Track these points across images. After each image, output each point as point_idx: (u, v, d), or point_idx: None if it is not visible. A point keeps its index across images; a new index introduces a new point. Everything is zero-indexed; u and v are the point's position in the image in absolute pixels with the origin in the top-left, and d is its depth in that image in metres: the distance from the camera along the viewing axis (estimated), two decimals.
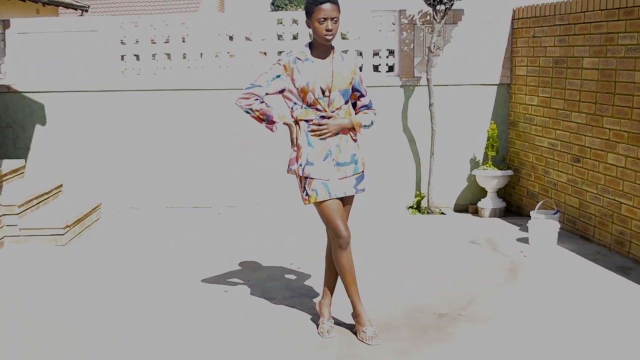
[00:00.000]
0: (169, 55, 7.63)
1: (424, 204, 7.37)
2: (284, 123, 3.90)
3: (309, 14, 3.78)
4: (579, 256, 5.51)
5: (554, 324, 4.14)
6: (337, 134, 3.89)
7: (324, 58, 3.89)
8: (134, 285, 5.05)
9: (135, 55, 7.63)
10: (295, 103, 3.89)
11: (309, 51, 3.89)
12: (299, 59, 3.85)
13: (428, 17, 7.16)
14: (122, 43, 7.61)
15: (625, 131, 5.37)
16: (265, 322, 4.27)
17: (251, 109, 3.85)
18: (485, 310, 4.40)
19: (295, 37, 7.55)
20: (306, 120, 3.88)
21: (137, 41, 7.61)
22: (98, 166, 7.66)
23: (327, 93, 3.85)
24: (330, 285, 4.17)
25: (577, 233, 6.08)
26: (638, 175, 5.23)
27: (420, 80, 7.29)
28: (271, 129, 3.92)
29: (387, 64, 7.46)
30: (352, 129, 3.94)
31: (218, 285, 4.95)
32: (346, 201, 3.99)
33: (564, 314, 4.32)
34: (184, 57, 7.64)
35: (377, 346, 3.82)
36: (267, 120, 3.87)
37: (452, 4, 6.74)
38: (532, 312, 4.35)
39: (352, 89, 3.98)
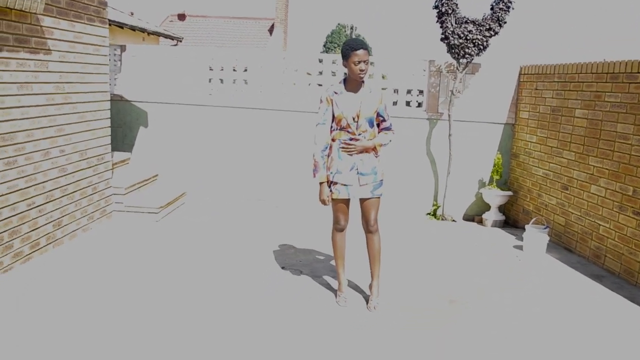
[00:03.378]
0: (245, 80, 7.97)
1: (439, 212, 7.60)
2: (319, 182, 4.13)
3: (346, 57, 4.02)
4: (563, 264, 5.70)
5: (541, 316, 4.35)
6: (361, 152, 4.14)
7: (355, 92, 4.11)
8: (211, 254, 5.36)
9: (220, 79, 7.98)
10: (330, 126, 4.15)
11: (343, 86, 4.12)
12: (335, 92, 4.10)
13: (452, 67, 7.41)
14: (210, 69, 7.98)
15: (607, 169, 5.57)
16: (311, 294, 4.53)
17: (314, 156, 4.10)
18: (487, 300, 4.62)
19: (334, 74, 7.82)
20: (339, 139, 4.12)
21: (222, 68, 7.97)
22: (185, 162, 8.00)
23: (355, 119, 4.08)
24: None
25: (562, 245, 6.28)
26: (615, 204, 5.44)
27: (442, 115, 7.53)
28: (313, 175, 4.15)
29: (417, 101, 7.70)
30: (374, 148, 4.20)
31: (276, 264, 5.21)
32: (369, 202, 4.20)
33: (549, 308, 4.53)
34: (246, 83, 7.95)
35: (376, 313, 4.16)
36: (314, 170, 4.12)
37: (472, 59, 6.98)
38: (523, 305, 4.56)
39: (377, 115, 4.19)
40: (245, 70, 7.94)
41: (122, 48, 7.97)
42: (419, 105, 7.73)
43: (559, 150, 6.40)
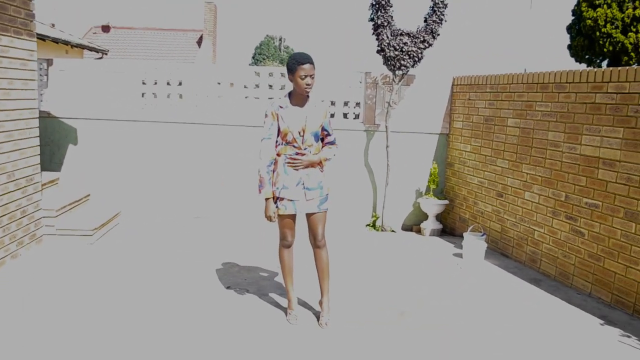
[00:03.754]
0: (180, 95, 7.78)
1: (378, 223, 7.65)
2: (265, 198, 4.04)
3: (292, 71, 3.96)
4: (501, 269, 5.86)
5: (486, 319, 4.45)
6: (307, 166, 4.10)
7: (301, 106, 4.08)
8: (150, 277, 5.13)
9: (153, 93, 7.75)
10: (276, 141, 4.08)
11: (289, 101, 4.08)
12: (281, 107, 4.04)
13: (387, 79, 7.52)
14: (143, 83, 7.74)
15: (540, 175, 5.79)
16: (260, 313, 4.44)
17: (259, 171, 4.02)
18: (432, 308, 4.67)
19: (270, 87, 7.79)
20: (285, 154, 4.07)
21: (155, 82, 7.75)
22: (118, 181, 7.69)
23: (301, 133, 4.05)
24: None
25: (498, 251, 6.46)
26: (548, 209, 5.65)
27: (379, 127, 7.61)
28: (258, 191, 4.06)
29: (354, 113, 7.76)
30: (320, 162, 4.17)
31: (220, 284, 5.05)
32: (315, 217, 4.16)
33: (492, 312, 4.63)
34: (180, 97, 7.78)
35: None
36: (260, 186, 4.03)
37: (407, 70, 7.12)
38: (467, 310, 4.64)
39: (322, 129, 4.17)
40: (180, 84, 7.76)
41: (49, 62, 7.60)
42: (356, 117, 7.79)
43: (492, 159, 6.60)
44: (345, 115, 7.84)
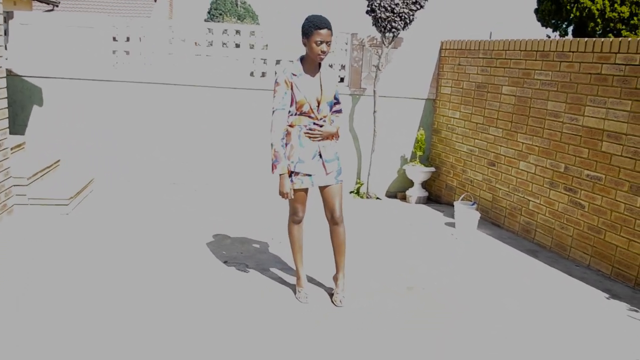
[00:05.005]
0: (153, 53, 7.30)
1: (363, 190, 7.50)
2: (280, 174, 3.78)
3: (308, 35, 3.69)
4: (495, 239, 5.82)
5: (492, 293, 4.38)
6: (325, 138, 3.91)
7: (313, 74, 3.83)
8: (139, 251, 4.83)
9: (125, 51, 7.25)
10: (289, 111, 3.82)
11: (301, 67, 3.80)
12: (294, 74, 3.76)
13: (374, 41, 7.26)
14: (114, 39, 7.21)
15: (537, 145, 5.72)
16: (267, 291, 4.23)
17: (273, 145, 3.73)
18: (438, 282, 4.56)
19: (251, 46, 7.43)
20: (299, 125, 3.82)
21: (127, 38, 7.24)
22: (89, 145, 7.22)
23: (318, 103, 3.83)
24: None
25: (489, 220, 6.42)
26: (545, 180, 5.60)
27: (365, 91, 7.37)
28: (272, 169, 3.78)
29: (339, 76, 7.50)
30: (336, 132, 3.99)
31: (216, 259, 4.79)
32: (333, 190, 3.95)
33: (496, 284, 4.57)
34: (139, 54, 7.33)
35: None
36: (275, 161, 3.74)
37: (398, 33, 6.86)
38: (472, 283, 4.57)
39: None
40: (144, 40, 7.27)
41: (9, 15, 6.95)
42: (341, 80, 7.52)
43: (484, 127, 6.49)
44: None
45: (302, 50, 3.84)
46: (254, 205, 6.57)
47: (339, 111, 4.09)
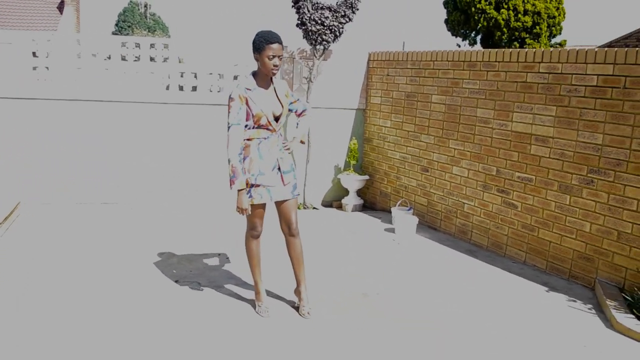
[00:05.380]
0: (79, 68, 7.01)
1: (300, 200, 7.56)
2: (238, 190, 3.75)
3: (259, 49, 3.73)
4: (435, 242, 6.04)
5: (443, 294, 4.55)
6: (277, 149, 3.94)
7: (266, 87, 3.88)
8: (82, 276, 4.62)
9: (46, 67, 6.92)
10: (246, 125, 3.83)
11: (254, 82, 3.84)
12: (248, 89, 3.78)
13: (304, 54, 7.35)
14: (35, 55, 6.88)
15: (468, 151, 6.00)
16: (227, 309, 4.18)
17: (230, 161, 3.71)
18: (391, 286, 4.68)
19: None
20: (258, 138, 3.83)
21: (47, 54, 6.91)
22: (12, 166, 6.82)
23: (276, 117, 3.90)
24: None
25: (425, 224, 6.65)
26: (479, 183, 5.89)
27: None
28: (230, 185, 3.75)
29: None
30: (301, 142, 4.18)
31: (167, 278, 4.67)
32: (289, 203, 3.99)
33: (444, 286, 4.75)
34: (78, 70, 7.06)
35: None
36: (232, 176, 3.72)
37: (328, 45, 7.00)
38: (423, 285, 4.72)
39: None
40: (79, 56, 6.99)
41: None
42: None
43: (416, 134, 6.73)
44: None
45: (253, 63, 3.87)
46: (194, 221, 6.45)
47: (305, 110, 4.20)
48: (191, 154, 7.25)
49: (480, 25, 15.37)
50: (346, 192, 7.65)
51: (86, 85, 6.97)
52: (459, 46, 16.95)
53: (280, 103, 3.91)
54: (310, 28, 6.76)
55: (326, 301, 4.30)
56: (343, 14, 6.85)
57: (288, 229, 4.00)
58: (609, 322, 4.13)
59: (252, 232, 4.01)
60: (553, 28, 15.47)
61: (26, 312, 3.92)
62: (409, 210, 6.59)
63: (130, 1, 33.21)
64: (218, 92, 7.30)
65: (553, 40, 16.17)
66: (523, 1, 14.92)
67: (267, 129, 3.84)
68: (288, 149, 4.00)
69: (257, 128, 3.82)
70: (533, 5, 14.90)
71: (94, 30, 30.02)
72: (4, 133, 6.75)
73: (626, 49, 4.54)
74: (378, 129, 7.45)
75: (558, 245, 5.10)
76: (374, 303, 4.33)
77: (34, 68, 6.87)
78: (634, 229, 4.51)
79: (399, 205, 6.67)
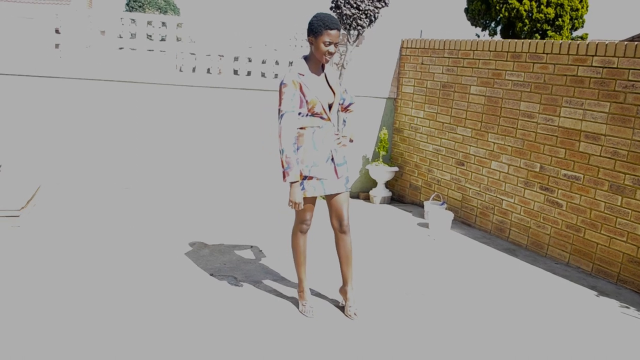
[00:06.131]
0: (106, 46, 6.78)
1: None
2: (291, 183, 3.53)
3: (317, 33, 3.50)
4: (471, 239, 5.84)
5: (489, 294, 4.35)
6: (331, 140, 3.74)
7: (318, 74, 3.67)
8: (112, 264, 4.43)
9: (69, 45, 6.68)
10: (299, 113, 3.63)
11: (307, 66, 3.61)
12: (300, 74, 3.55)
13: None
14: (57, 32, 6.64)
15: (509, 145, 5.78)
16: (268, 306, 3.99)
17: (284, 151, 3.48)
18: (434, 288, 4.49)
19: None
20: (312, 127, 3.61)
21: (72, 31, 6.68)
22: (31, 148, 6.59)
23: (330, 104, 3.69)
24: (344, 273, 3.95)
25: (459, 220, 6.44)
26: (520, 179, 5.68)
27: None
28: (283, 177, 3.54)
29: None
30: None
31: (200, 270, 4.47)
32: (342, 197, 3.80)
33: (489, 287, 4.55)
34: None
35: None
36: (287, 168, 3.49)
37: (363, 31, 6.76)
38: (467, 284, 4.52)
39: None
40: (103, 32, 6.76)
41: None
42: None
43: (452, 126, 6.51)
44: None
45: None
46: (221, 210, 6.25)
47: (351, 103, 4.01)
48: (218, 140, 7.04)
49: (501, 15, 15.04)
50: (374, 184, 7.44)
51: (111, 65, 6.74)
52: (478, 36, 16.61)
53: (332, 91, 3.70)
54: (345, 12, 6.51)
55: (369, 301, 4.10)
56: None
57: (339, 225, 3.79)
58: None
59: (302, 227, 3.80)
60: (575, 21, 15.12)
61: (56, 302, 3.73)
62: (442, 204, 6.38)
63: None
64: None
65: (574, 33, 15.85)
66: None
67: (322, 117, 3.62)
68: (343, 145, 3.79)
69: (311, 116, 3.59)
70: None
71: (104, 7, 29.46)
72: (24, 112, 6.53)
73: None
74: (410, 120, 7.22)
75: (606, 247, 4.89)
76: (418, 303, 4.13)
77: (57, 45, 6.64)
78: None
79: (432, 200, 6.46)
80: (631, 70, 4.66)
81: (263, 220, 5.95)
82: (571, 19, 15.03)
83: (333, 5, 6.60)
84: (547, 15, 14.61)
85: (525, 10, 14.67)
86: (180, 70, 7.04)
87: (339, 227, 3.80)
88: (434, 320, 3.87)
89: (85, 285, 4.06)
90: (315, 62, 3.63)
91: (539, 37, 14.95)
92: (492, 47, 5.96)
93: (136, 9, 30.96)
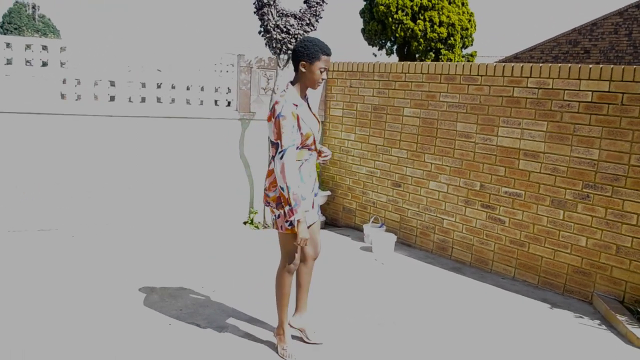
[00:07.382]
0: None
1: (257, 219, 7.11)
2: (297, 220, 3.26)
3: (313, 58, 3.32)
4: (416, 260, 5.87)
5: (452, 316, 4.38)
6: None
7: (305, 101, 3.51)
8: (53, 316, 3.99)
9: None
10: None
11: (298, 95, 3.42)
12: (295, 104, 3.36)
13: (263, 63, 6.95)
14: None
15: (447, 165, 5.91)
16: (240, 354, 3.73)
17: (290, 189, 3.20)
18: (392, 311, 4.46)
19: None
20: (301, 160, 3.43)
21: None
22: None
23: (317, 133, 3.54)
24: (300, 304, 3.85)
25: (398, 241, 6.43)
26: (460, 198, 5.81)
27: (255, 115, 7.01)
28: (288, 215, 3.28)
29: (226, 100, 7.04)
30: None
31: (158, 318, 4.11)
32: (318, 225, 3.72)
33: (448, 307, 4.58)
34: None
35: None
36: (294, 206, 3.23)
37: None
38: (429, 310, 4.52)
39: None
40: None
41: None
42: (228, 104, 7.07)
43: (386, 148, 6.55)
44: (216, 102, 7.06)
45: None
46: (158, 250, 5.83)
47: None
48: (119, 173, 6.60)
49: (397, 35, 15.61)
50: None
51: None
52: (375, 55, 17.16)
53: (317, 119, 3.54)
54: (275, 36, 6.37)
55: (340, 333, 3.97)
56: (308, 22, 6.53)
57: (314, 252, 3.67)
58: (626, 338, 4.14)
59: (291, 267, 3.56)
60: (465, 39, 16.05)
61: None
62: (381, 226, 6.39)
63: (16, 2, 30.42)
64: (168, 101, 6.69)
65: (465, 51, 16.80)
66: (438, 13, 15.35)
67: (310, 148, 3.45)
68: (326, 156, 3.60)
69: (301, 149, 3.40)
70: (447, 17, 15.36)
71: None
72: None
73: (623, 66, 4.63)
74: (340, 142, 7.19)
75: (551, 260, 5.11)
76: (392, 333, 4.05)
77: None
78: (634, 243, 4.59)
79: (372, 222, 6.45)
80: (566, 91, 4.93)
81: (201, 255, 5.62)
82: (462, 38, 15.92)
83: (262, 29, 6.44)
84: (440, 35, 15.37)
85: (420, 30, 15.34)
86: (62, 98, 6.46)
87: (314, 255, 3.68)
88: (412, 352, 3.81)
89: (31, 344, 3.58)
90: (303, 89, 3.46)
91: (433, 55, 15.67)
92: (425, 69, 6.08)
93: (11, 31, 28.72)
